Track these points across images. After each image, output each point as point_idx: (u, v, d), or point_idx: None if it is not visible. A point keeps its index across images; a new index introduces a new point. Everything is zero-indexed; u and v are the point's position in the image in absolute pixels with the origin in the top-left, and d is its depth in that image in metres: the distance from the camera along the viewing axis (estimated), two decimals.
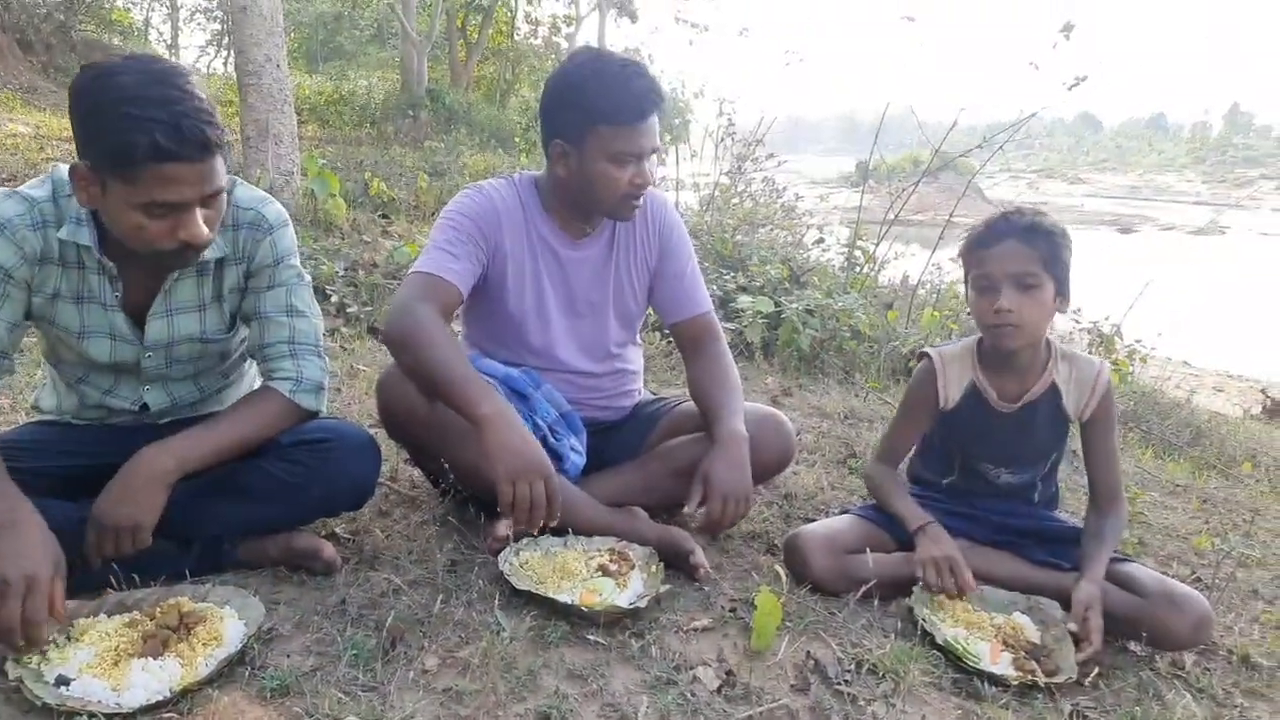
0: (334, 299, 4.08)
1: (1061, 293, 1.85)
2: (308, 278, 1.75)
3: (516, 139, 12.00)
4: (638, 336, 2.23)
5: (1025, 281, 1.81)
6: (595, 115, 1.81)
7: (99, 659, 1.38)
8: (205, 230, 1.42)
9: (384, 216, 6.54)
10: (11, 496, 1.40)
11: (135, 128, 1.30)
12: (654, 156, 1.92)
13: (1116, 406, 2.01)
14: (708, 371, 2.04)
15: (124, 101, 1.31)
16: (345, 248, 5.08)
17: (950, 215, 5.93)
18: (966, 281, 1.93)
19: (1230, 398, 7.76)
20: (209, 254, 1.60)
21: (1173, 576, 2.21)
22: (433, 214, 7.11)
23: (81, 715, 1.26)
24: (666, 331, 4.01)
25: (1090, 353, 5.08)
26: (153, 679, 1.34)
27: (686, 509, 1.80)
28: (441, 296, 1.82)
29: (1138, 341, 5.74)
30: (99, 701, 1.29)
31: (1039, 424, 1.94)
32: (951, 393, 1.97)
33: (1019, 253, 1.82)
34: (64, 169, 1.50)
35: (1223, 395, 7.91)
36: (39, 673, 1.34)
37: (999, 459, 1.98)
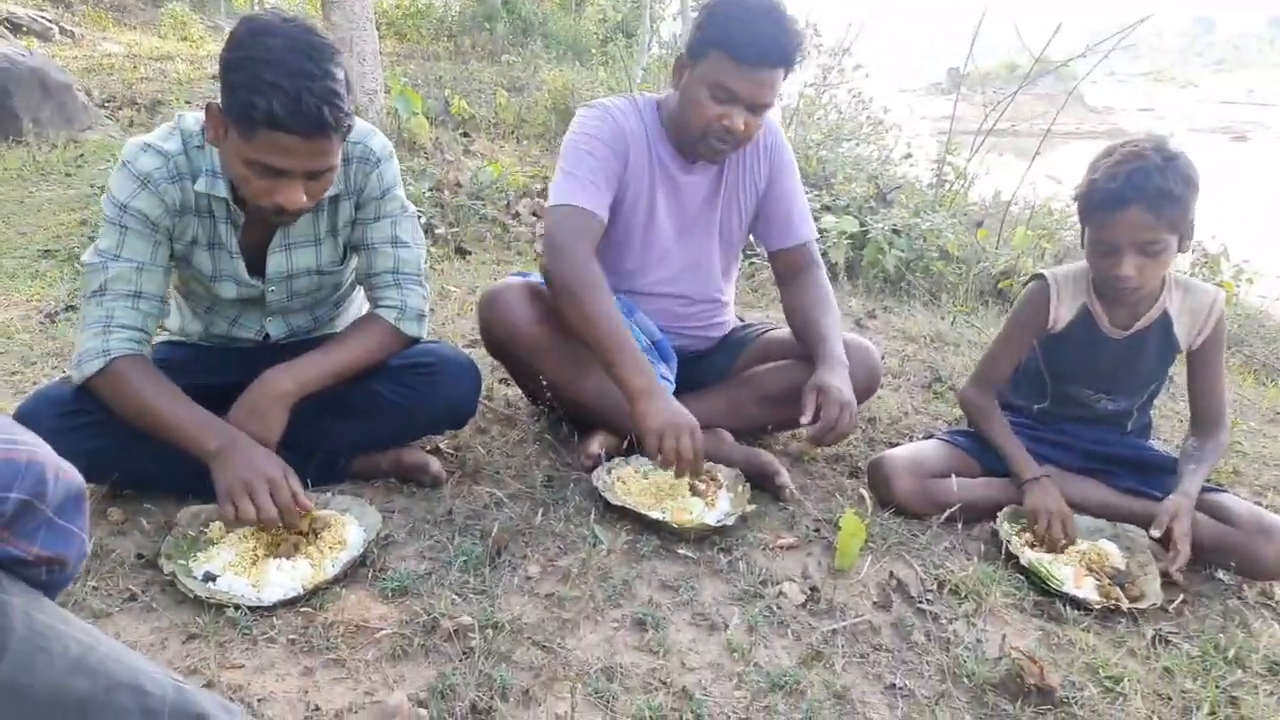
0: (421, 220, 4.17)
1: (1185, 240, 1.76)
2: (412, 208, 1.81)
3: (593, 51, 11.79)
4: (734, 267, 2.24)
5: (1150, 249, 1.73)
6: (716, 40, 1.80)
7: (239, 559, 1.53)
8: (303, 199, 1.48)
9: (465, 134, 6.59)
10: (222, 423, 1.56)
11: (261, 90, 1.36)
12: (759, 114, 1.87)
13: (1225, 339, 1.95)
14: (810, 298, 2.06)
15: (262, 63, 1.37)
16: (429, 167, 5.16)
17: (1050, 125, 5.66)
18: (1083, 231, 1.85)
19: None
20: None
21: (1267, 506, 2.19)
22: (513, 131, 7.13)
23: (227, 607, 1.41)
24: (749, 256, 4.03)
25: (1193, 273, 4.87)
26: (286, 578, 1.48)
27: (802, 419, 1.79)
28: (594, 233, 1.87)
29: (1245, 261, 5.44)
30: (241, 596, 1.44)
31: (1147, 352, 1.91)
32: (1063, 314, 1.94)
33: (1145, 222, 1.71)
34: (190, 118, 1.59)
35: None
36: (189, 569, 1.49)
37: (1101, 385, 1.96)
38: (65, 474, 0.82)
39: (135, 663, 0.89)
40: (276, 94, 1.35)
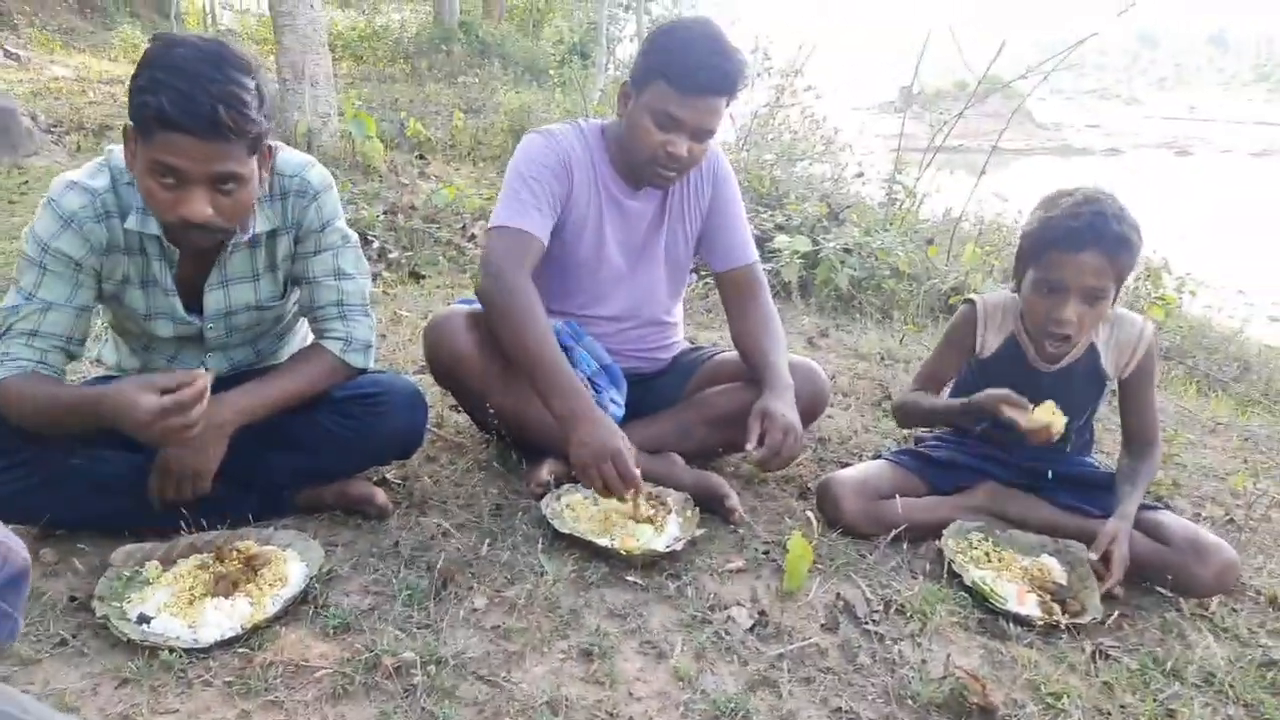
0: (375, 245, 4.15)
1: (1115, 294, 1.80)
2: (354, 237, 1.80)
3: (551, 72, 11.83)
4: (682, 289, 2.26)
5: (1095, 295, 1.75)
6: (660, 69, 1.83)
7: (175, 599, 1.49)
8: (207, 210, 1.43)
9: (420, 157, 6.57)
10: (107, 387, 1.47)
11: (155, 90, 1.34)
12: (703, 140, 1.90)
13: (1158, 362, 1.99)
14: (754, 321, 2.08)
15: (162, 69, 1.35)
16: (384, 190, 5.13)
17: (997, 142, 5.78)
18: (1023, 267, 1.85)
19: None
20: (260, 226, 1.65)
21: (1206, 518, 2.25)
22: (469, 153, 7.13)
23: (162, 650, 1.37)
24: (703, 276, 4.05)
25: (1135, 286, 4.99)
26: (225, 617, 1.45)
27: (747, 445, 1.81)
28: (532, 255, 1.87)
29: (1187, 274, 5.60)
30: (177, 638, 1.40)
31: (1075, 383, 1.95)
32: (990, 342, 1.98)
33: (1099, 267, 1.73)
34: (119, 153, 1.55)
35: (1278, 325, 7.70)
36: (122, 611, 1.45)
37: None
38: (13, 555, 0.80)
39: None
40: (168, 92, 1.33)
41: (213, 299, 1.69)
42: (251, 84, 1.41)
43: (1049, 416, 1.82)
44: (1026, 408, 1.83)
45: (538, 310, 1.81)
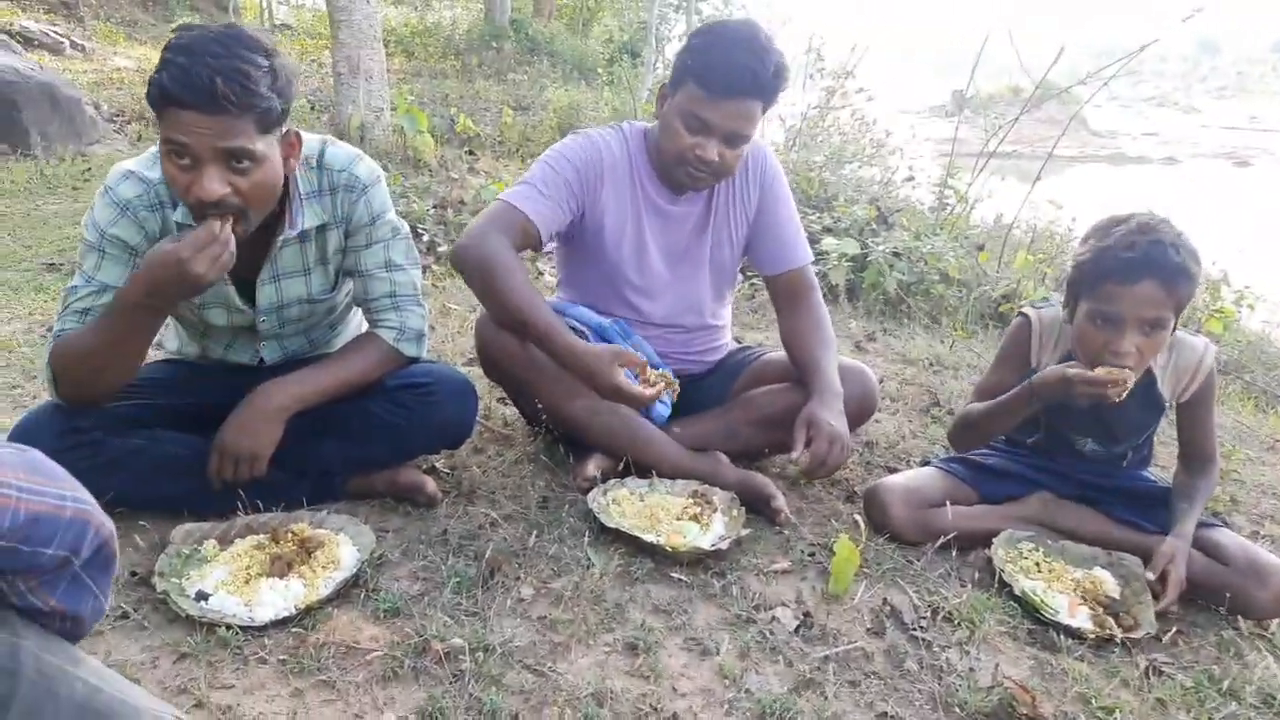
0: (425, 238, 4.20)
1: (1176, 323, 1.72)
2: (405, 229, 1.82)
3: (599, 71, 11.87)
4: (729, 292, 2.24)
5: (1153, 327, 1.68)
6: (692, 70, 1.82)
7: (232, 577, 1.53)
8: (219, 189, 1.42)
9: (470, 153, 6.63)
10: (133, 279, 1.49)
11: (160, 68, 1.38)
12: (735, 145, 1.87)
13: (1217, 386, 1.93)
14: (804, 324, 2.07)
15: (171, 48, 1.39)
16: (434, 185, 5.19)
17: (1052, 149, 5.68)
18: (1074, 297, 1.77)
19: None
20: (309, 222, 1.67)
21: (1264, 537, 2.19)
22: (518, 150, 7.18)
23: (219, 627, 1.41)
24: (750, 276, 4.04)
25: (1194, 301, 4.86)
26: (279, 597, 1.48)
27: (793, 453, 1.82)
28: (517, 228, 1.87)
29: (1246, 287, 5.45)
30: (234, 615, 1.44)
31: (1130, 407, 1.88)
32: (1045, 358, 1.92)
33: (1156, 298, 1.65)
34: None
35: None
36: (181, 587, 1.49)
37: (1086, 431, 1.95)
38: (104, 532, 0.82)
39: (140, 701, 0.89)
40: (170, 68, 1.36)
41: (265, 293, 1.72)
42: (262, 61, 1.42)
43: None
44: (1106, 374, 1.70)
45: (516, 267, 1.83)
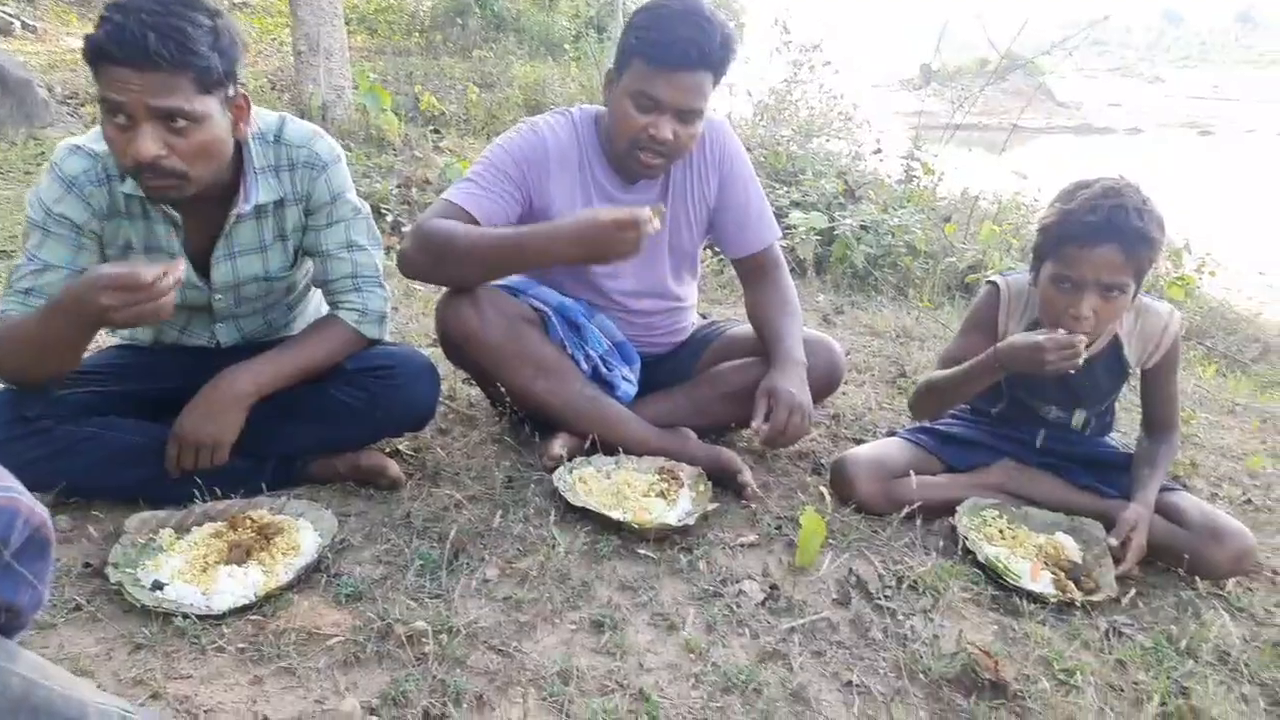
0: (389, 218, 4.14)
1: (1138, 290, 1.74)
2: (365, 209, 1.79)
3: (566, 47, 11.72)
4: (692, 273, 2.22)
5: (1112, 291, 1.70)
6: (636, 48, 1.79)
7: (189, 565, 1.50)
8: (152, 148, 1.39)
9: (435, 131, 6.53)
10: (68, 288, 1.42)
11: (98, 25, 1.35)
12: (689, 122, 1.83)
13: (1181, 352, 1.95)
14: (768, 296, 2.06)
15: (110, 6, 1.36)
16: (398, 164, 5.12)
17: (1016, 120, 5.72)
18: (1039, 261, 1.80)
19: None
20: (264, 196, 1.64)
21: (1222, 498, 2.23)
22: (483, 128, 7.08)
23: (175, 616, 1.38)
24: (717, 251, 4.03)
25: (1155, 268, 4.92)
26: (238, 585, 1.46)
27: (753, 424, 1.82)
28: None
29: (1207, 254, 5.53)
30: (191, 605, 1.41)
31: (1097, 373, 1.91)
32: (1012, 327, 1.94)
33: (1116, 262, 1.67)
34: None
35: None
36: (136, 577, 1.46)
37: (1050, 398, 1.96)
38: (35, 519, 0.80)
39: (83, 694, 0.87)
40: (106, 24, 1.34)
41: (220, 271, 1.69)
42: (203, 20, 1.39)
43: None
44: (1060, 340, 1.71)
45: (457, 223, 1.78)
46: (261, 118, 1.65)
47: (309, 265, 1.84)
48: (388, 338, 1.84)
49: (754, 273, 2.11)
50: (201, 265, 1.68)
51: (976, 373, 1.86)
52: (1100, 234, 1.66)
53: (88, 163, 1.54)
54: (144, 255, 1.64)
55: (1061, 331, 1.71)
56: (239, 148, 1.60)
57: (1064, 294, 1.73)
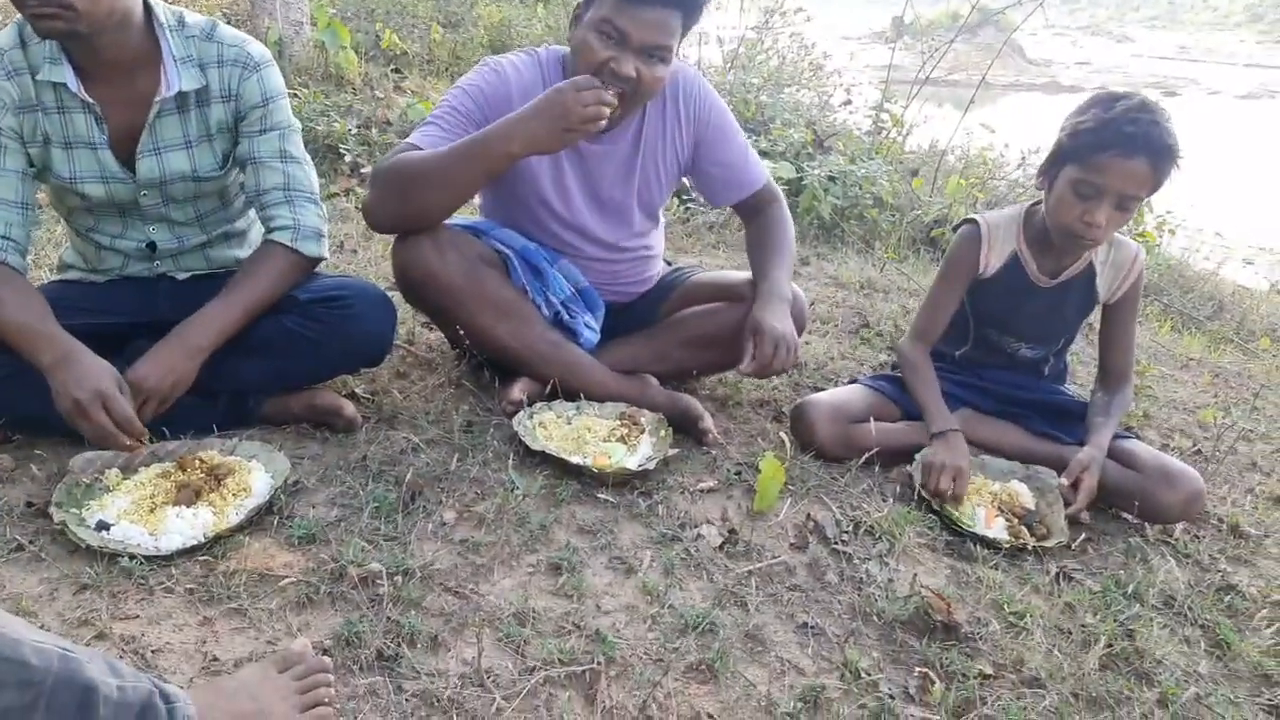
0: (347, 159, 4.02)
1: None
2: (298, 124, 1.77)
3: None
4: (658, 222, 2.18)
5: (1128, 203, 1.73)
6: None
7: (135, 506, 1.47)
8: None
9: (396, 71, 6.34)
10: (60, 335, 1.49)
11: None
12: (654, 63, 1.75)
13: (1141, 294, 1.99)
14: (758, 233, 2.06)
15: None
16: (358, 104, 4.95)
17: (985, 74, 5.67)
18: (1058, 164, 1.79)
19: (1260, 271, 7.61)
20: (186, 85, 1.62)
21: (1174, 449, 2.28)
22: (447, 68, 6.90)
23: (122, 557, 1.35)
24: (683, 201, 3.99)
25: None
26: (186, 525, 1.43)
27: (742, 364, 1.80)
28: None
29: (1168, 212, 5.59)
30: (138, 545, 1.38)
31: (1069, 302, 1.94)
32: (993, 261, 1.95)
33: (1142, 175, 1.70)
34: None
35: (1252, 268, 7.76)
36: (81, 517, 1.43)
37: (1022, 333, 1.99)
38: None
39: (18, 632, 0.84)
40: None
41: (145, 165, 1.66)
42: None
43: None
44: (957, 498, 1.79)
45: (416, 153, 1.75)
46: (190, 16, 1.65)
47: (241, 177, 1.80)
48: (327, 255, 1.80)
49: (747, 213, 2.11)
50: (127, 161, 1.66)
51: (924, 415, 1.93)
52: (1136, 145, 1.68)
53: None
54: (63, 150, 1.62)
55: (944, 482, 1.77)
56: (154, 35, 1.60)
57: (1082, 200, 1.75)
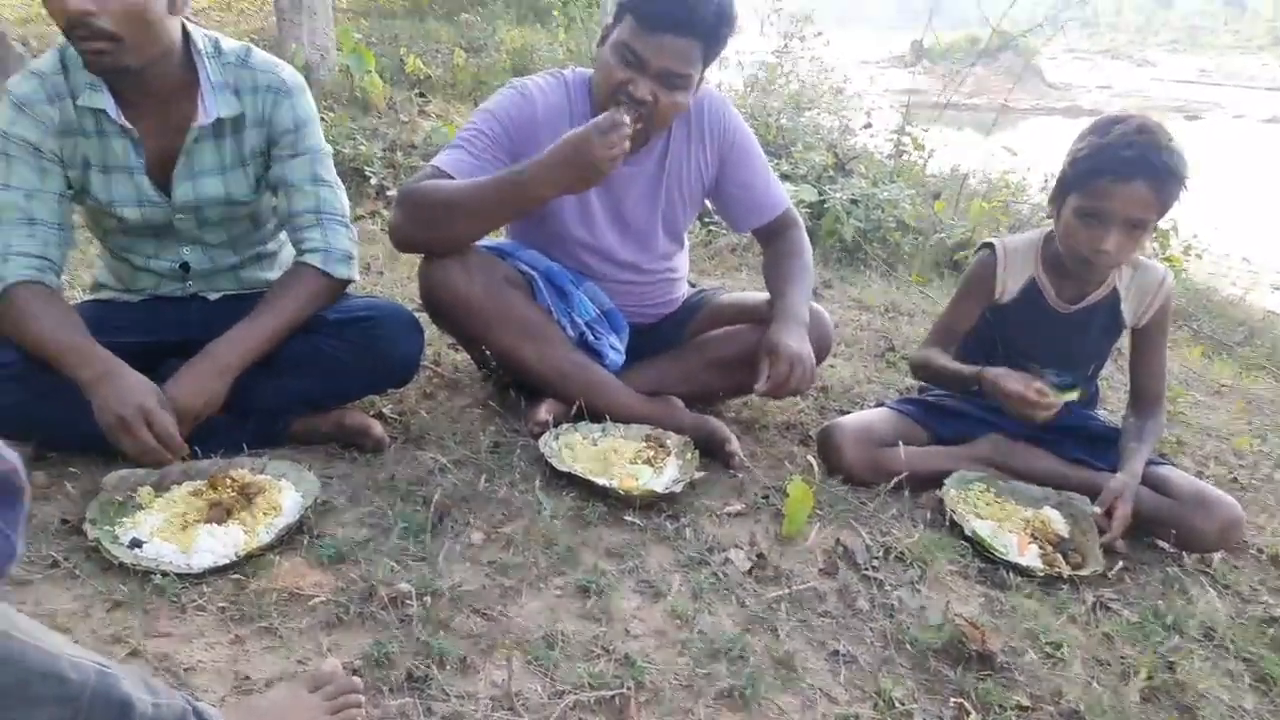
0: (373, 181, 4.06)
1: (1154, 228, 1.77)
2: (329, 149, 1.79)
3: (555, 12, 11.56)
4: (682, 244, 2.19)
5: (1137, 228, 1.72)
6: (629, 4, 1.75)
7: (168, 524, 1.47)
8: (81, 1, 1.40)
9: (421, 95, 6.42)
10: (101, 352, 1.52)
11: None
12: (672, 90, 1.77)
13: (1170, 317, 1.97)
14: (777, 257, 2.07)
15: None
16: (383, 127, 5.02)
17: (1006, 99, 5.69)
18: (1064, 192, 1.80)
19: None
20: (223, 111, 1.64)
21: (1209, 476, 2.24)
22: (470, 92, 6.97)
23: (154, 574, 1.35)
24: (705, 223, 3.99)
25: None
26: (218, 544, 1.43)
27: (758, 385, 1.80)
28: None
29: (1194, 236, 5.54)
30: (170, 562, 1.38)
31: (1093, 328, 1.92)
32: (1010, 286, 1.94)
33: (1144, 198, 1.69)
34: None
35: None
36: (114, 535, 1.43)
37: (1046, 358, 1.96)
38: (3, 465, 0.76)
39: (56, 647, 0.84)
40: None
41: (181, 190, 1.68)
42: None
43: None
44: (1041, 393, 1.78)
45: (444, 182, 1.78)
46: (225, 42, 1.68)
47: (274, 202, 1.82)
48: (357, 277, 1.81)
49: (767, 236, 2.12)
50: (163, 186, 1.68)
51: (960, 379, 1.92)
52: (1134, 169, 1.68)
53: (35, 82, 1.56)
54: (102, 174, 1.65)
55: (1045, 390, 1.77)
56: (191, 62, 1.62)
57: (1089, 227, 1.75)
